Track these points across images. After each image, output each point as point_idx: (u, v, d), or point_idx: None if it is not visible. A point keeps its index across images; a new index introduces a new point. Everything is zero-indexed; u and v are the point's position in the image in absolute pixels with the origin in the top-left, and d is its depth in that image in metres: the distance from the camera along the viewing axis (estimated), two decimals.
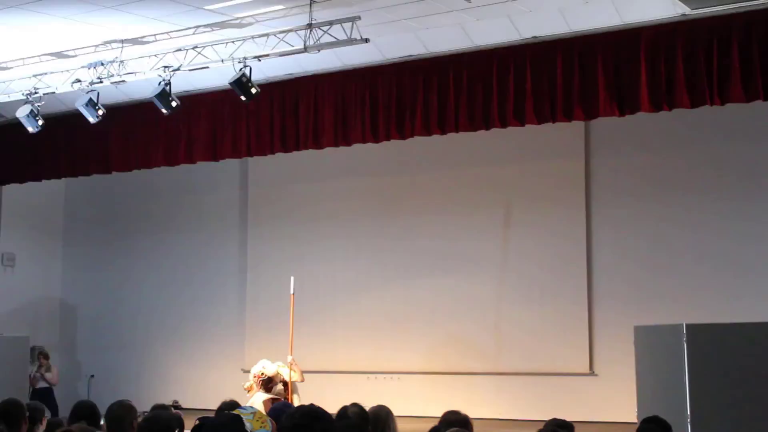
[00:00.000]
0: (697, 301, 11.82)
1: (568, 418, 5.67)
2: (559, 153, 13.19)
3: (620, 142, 12.83)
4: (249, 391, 10.58)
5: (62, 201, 17.31)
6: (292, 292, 11.20)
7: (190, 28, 10.93)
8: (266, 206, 15.38)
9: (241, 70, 10.86)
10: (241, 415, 4.25)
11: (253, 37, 10.83)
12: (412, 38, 11.35)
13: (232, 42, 10.94)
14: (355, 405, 4.94)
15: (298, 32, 10.44)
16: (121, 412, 5.06)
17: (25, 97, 12.34)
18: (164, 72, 11.33)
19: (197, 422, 4.62)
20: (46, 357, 14.82)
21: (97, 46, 11.48)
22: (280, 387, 10.47)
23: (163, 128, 13.13)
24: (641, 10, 10.24)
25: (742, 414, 8.38)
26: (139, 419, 5.03)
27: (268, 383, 10.38)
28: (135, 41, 11.34)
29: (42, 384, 14.53)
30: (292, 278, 11.31)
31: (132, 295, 16.39)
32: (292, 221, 15.04)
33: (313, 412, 3.96)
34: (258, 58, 10.90)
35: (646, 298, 12.31)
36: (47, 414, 5.71)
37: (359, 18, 10.16)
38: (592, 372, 12.72)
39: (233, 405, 5.20)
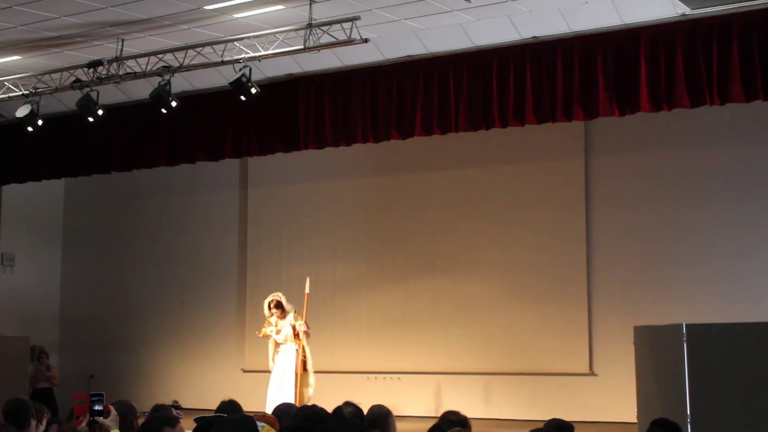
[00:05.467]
0: (697, 301, 11.82)
1: (568, 418, 5.66)
2: (559, 153, 13.19)
3: (620, 142, 12.82)
4: (265, 336, 11.73)
5: (62, 201, 17.30)
6: (306, 291, 11.70)
7: (190, 28, 10.94)
8: (266, 206, 15.38)
9: (241, 70, 10.86)
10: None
11: (253, 37, 10.84)
12: (412, 38, 11.36)
13: (232, 42, 10.94)
14: (349, 404, 4.93)
15: (298, 32, 10.45)
16: (121, 411, 5.06)
17: (24, 97, 12.35)
18: (164, 72, 11.34)
19: (196, 423, 4.63)
20: (47, 356, 14.81)
21: (97, 45, 11.49)
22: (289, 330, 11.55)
23: (163, 128, 13.13)
24: (641, 10, 10.25)
25: (742, 414, 8.37)
26: (140, 419, 5.04)
27: (279, 307, 11.55)
28: (135, 41, 11.35)
29: (43, 384, 14.51)
30: (308, 279, 11.82)
31: (132, 295, 16.39)
32: (292, 221, 15.04)
33: (314, 414, 3.97)
34: (258, 58, 10.91)
35: (646, 298, 12.30)
36: (47, 414, 5.70)
37: (359, 18, 10.17)
38: (592, 372, 12.72)
39: (232, 405, 5.21)
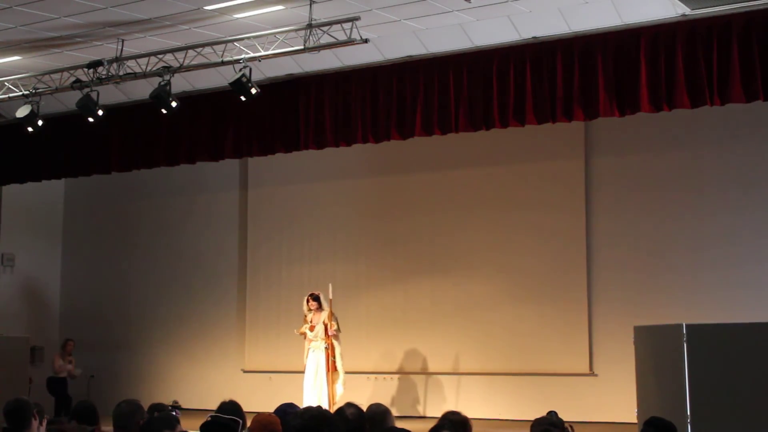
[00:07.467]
0: (697, 301, 11.82)
1: (568, 418, 5.66)
2: (559, 153, 13.19)
3: (620, 142, 12.82)
4: (301, 333, 12.22)
5: (62, 201, 17.30)
6: (330, 297, 12.08)
7: (190, 28, 10.94)
8: (266, 206, 15.38)
9: (240, 70, 10.86)
10: None
11: (253, 38, 10.84)
12: (412, 38, 11.36)
13: (232, 42, 10.94)
14: (351, 405, 4.93)
15: (298, 32, 10.45)
16: (129, 410, 5.08)
17: (25, 97, 12.34)
18: (164, 72, 11.33)
19: (209, 419, 4.65)
20: (74, 344, 14.88)
21: (97, 45, 11.49)
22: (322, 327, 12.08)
23: (164, 128, 13.13)
24: (641, 10, 10.24)
25: (742, 414, 8.38)
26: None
27: (317, 300, 12.13)
28: (135, 41, 11.35)
29: (63, 373, 14.59)
30: (330, 285, 12.09)
31: (132, 295, 16.39)
32: (292, 221, 15.04)
33: (321, 415, 3.97)
34: (258, 58, 10.91)
35: (646, 298, 12.30)
36: (46, 414, 5.73)
37: (359, 18, 10.16)
38: (592, 372, 12.72)
39: (233, 405, 5.21)
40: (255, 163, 15.16)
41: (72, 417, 5.72)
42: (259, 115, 12.44)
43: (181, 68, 11.38)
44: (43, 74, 12.20)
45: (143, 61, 11.50)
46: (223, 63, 11.16)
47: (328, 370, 12.03)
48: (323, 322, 12.13)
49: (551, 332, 12.94)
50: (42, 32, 11.11)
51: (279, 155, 12.95)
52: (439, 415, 5.38)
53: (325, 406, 11.24)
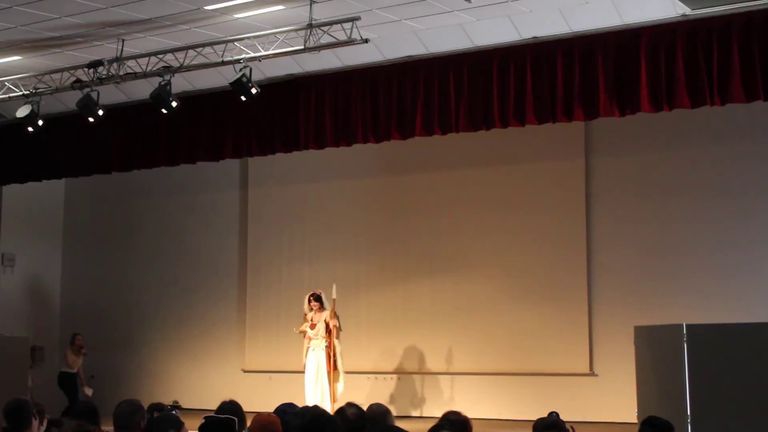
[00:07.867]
0: (697, 301, 11.81)
1: (569, 418, 5.66)
2: (559, 153, 13.19)
3: (620, 142, 12.82)
4: (302, 332, 12.35)
5: (62, 201, 17.30)
6: (334, 296, 12.22)
7: (190, 28, 10.94)
8: (266, 206, 15.37)
9: (241, 70, 10.87)
10: None
11: (253, 37, 10.84)
12: (412, 38, 11.36)
13: (233, 42, 10.94)
14: (351, 405, 4.93)
15: (298, 32, 10.45)
16: (129, 410, 5.09)
17: (25, 97, 12.34)
18: (164, 72, 11.33)
19: (203, 421, 4.64)
20: (81, 338, 14.95)
21: (97, 45, 11.49)
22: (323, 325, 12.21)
23: (164, 128, 13.13)
24: (641, 10, 10.25)
25: (742, 414, 8.39)
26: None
27: (318, 300, 12.24)
28: (135, 41, 11.35)
29: (76, 368, 14.66)
30: (334, 285, 12.18)
31: (132, 295, 16.38)
32: (293, 221, 15.04)
33: (321, 415, 3.97)
34: (258, 58, 10.92)
35: (646, 298, 12.30)
36: (46, 414, 5.74)
37: (359, 18, 10.17)
38: (592, 372, 12.72)
39: (233, 405, 5.21)
40: (255, 163, 15.16)
41: (72, 417, 5.73)
42: (259, 115, 12.43)
43: (181, 68, 11.38)
44: (43, 74, 12.20)
45: (143, 61, 11.50)
46: (223, 63, 11.16)
47: (328, 369, 12.09)
48: (324, 321, 12.18)
49: (551, 332, 12.94)
50: (42, 32, 11.11)
51: (279, 155, 12.95)
52: (438, 414, 5.38)
53: (326, 404, 11.29)
